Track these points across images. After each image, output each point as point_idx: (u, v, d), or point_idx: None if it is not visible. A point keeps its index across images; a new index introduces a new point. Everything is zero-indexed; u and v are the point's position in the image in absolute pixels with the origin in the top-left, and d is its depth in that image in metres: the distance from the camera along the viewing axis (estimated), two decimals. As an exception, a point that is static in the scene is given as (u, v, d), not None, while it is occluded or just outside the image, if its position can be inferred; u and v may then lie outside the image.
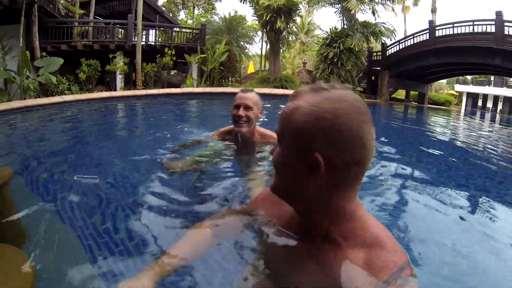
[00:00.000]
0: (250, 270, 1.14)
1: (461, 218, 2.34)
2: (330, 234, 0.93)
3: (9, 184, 2.41)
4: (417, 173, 3.50)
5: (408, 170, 3.54)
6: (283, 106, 0.94)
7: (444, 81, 42.84)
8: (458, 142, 6.80)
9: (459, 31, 15.67)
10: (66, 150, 4.29)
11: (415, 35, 17.49)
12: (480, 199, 2.85)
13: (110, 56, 14.33)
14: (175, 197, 2.25)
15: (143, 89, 13.88)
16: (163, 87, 14.94)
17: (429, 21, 17.55)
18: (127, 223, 2.01)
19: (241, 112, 2.52)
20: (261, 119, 2.77)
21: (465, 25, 15.44)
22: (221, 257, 1.33)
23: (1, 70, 10.80)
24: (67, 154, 4.03)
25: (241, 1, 18.57)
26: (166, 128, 6.07)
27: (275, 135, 2.44)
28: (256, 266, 1.12)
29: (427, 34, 16.72)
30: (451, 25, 15.90)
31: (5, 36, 12.21)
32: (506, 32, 13.76)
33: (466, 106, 38.74)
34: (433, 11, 30.35)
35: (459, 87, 40.51)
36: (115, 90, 14.08)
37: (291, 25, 18.91)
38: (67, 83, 12.45)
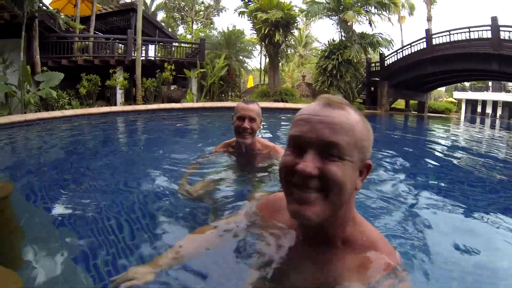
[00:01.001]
0: (250, 271, 1.15)
1: (465, 226, 2.34)
2: (333, 238, 0.96)
3: (9, 199, 2.41)
4: (422, 184, 3.49)
5: (414, 181, 3.54)
6: (333, 115, 0.89)
7: (443, 89, 42.98)
8: (462, 150, 6.78)
9: (455, 39, 15.80)
10: (65, 165, 4.27)
11: (412, 44, 17.67)
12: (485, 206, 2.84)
13: (110, 71, 14.33)
14: (177, 210, 2.26)
15: (143, 104, 13.91)
16: (163, 102, 14.98)
17: (426, 29, 17.74)
18: (129, 239, 1.99)
19: (247, 124, 2.47)
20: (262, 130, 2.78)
21: (461, 32, 15.59)
22: (221, 258, 1.33)
23: (2, 84, 10.86)
24: (66, 169, 4.01)
25: (239, 15, 18.76)
26: (165, 143, 6.08)
27: (277, 147, 2.55)
28: (256, 267, 1.13)
29: (424, 42, 16.90)
30: (448, 33, 16.08)
31: (6, 50, 12.37)
32: (502, 37, 13.89)
33: (465, 113, 38.83)
34: (429, 19, 30.74)
35: (458, 94, 40.63)
36: (115, 105, 14.07)
37: (290, 38, 19.03)
38: (67, 98, 12.47)
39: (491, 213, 2.66)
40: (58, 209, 2.57)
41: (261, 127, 2.67)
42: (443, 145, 7.43)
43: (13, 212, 2.41)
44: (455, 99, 40.72)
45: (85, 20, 18.16)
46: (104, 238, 2.00)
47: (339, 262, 0.93)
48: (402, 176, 3.60)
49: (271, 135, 6.65)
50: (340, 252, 0.95)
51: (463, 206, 2.76)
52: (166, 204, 2.46)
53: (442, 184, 3.51)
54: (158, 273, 1.11)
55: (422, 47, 17.14)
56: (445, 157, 5.62)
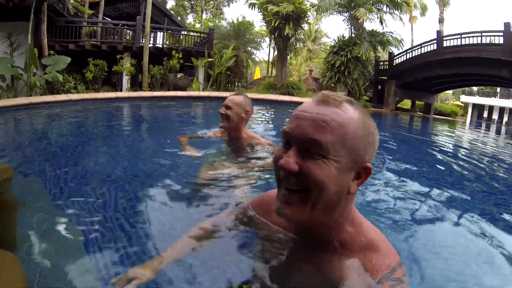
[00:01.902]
0: (248, 272, 1.15)
1: (466, 229, 2.29)
2: (330, 240, 0.96)
3: (10, 183, 2.37)
4: (425, 185, 3.44)
5: (416, 181, 3.49)
6: (323, 112, 0.87)
7: (450, 91, 42.64)
8: (468, 155, 6.69)
9: (467, 42, 15.62)
10: (68, 149, 4.23)
11: (422, 45, 17.49)
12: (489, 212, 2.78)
13: (118, 57, 14.35)
14: (177, 196, 2.30)
15: (149, 90, 13.88)
16: (169, 90, 14.95)
17: (437, 31, 17.60)
18: (130, 225, 1.97)
19: (222, 110, 2.90)
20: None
21: (473, 36, 15.40)
22: (220, 259, 1.34)
23: (9, 66, 10.87)
24: (69, 152, 3.99)
25: (249, 7, 18.61)
26: (168, 130, 6.02)
27: (261, 138, 3.12)
28: (254, 268, 1.13)
29: (435, 44, 16.70)
30: (459, 36, 15.89)
31: (14, 32, 12.30)
32: (514, 44, 13.70)
33: (471, 117, 38.55)
34: (441, 21, 30.46)
35: (465, 98, 40.35)
36: (121, 90, 14.07)
37: (299, 32, 18.92)
38: (73, 82, 12.50)
39: (491, 216, 2.63)
40: (60, 192, 2.53)
41: (246, 117, 2.98)
42: (447, 147, 7.32)
43: (14, 195, 2.36)
44: (462, 102, 40.45)
45: (94, 5, 18.14)
46: (105, 221, 1.99)
47: (337, 263, 0.93)
48: (403, 176, 3.56)
49: (273, 129, 6.57)
50: (338, 253, 0.94)
51: (464, 208, 2.72)
52: (167, 188, 2.49)
53: (443, 187, 3.44)
54: (158, 271, 1.11)
55: (432, 49, 16.95)
56: (447, 160, 5.52)
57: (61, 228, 1.93)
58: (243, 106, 2.92)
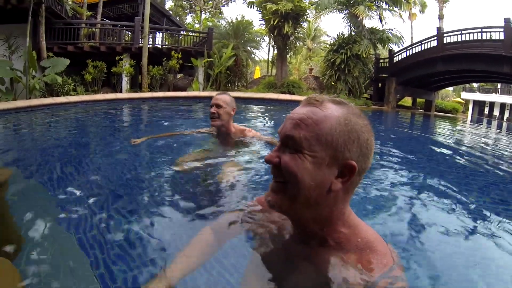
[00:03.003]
0: (247, 271, 1.19)
1: (469, 229, 2.25)
2: (325, 238, 0.97)
3: (7, 186, 2.33)
4: (426, 183, 3.41)
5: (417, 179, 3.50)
6: (302, 111, 0.94)
7: (451, 88, 42.57)
8: (468, 150, 6.63)
9: (467, 38, 15.52)
10: (67, 151, 4.24)
11: (423, 42, 17.37)
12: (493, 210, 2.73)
13: (117, 58, 14.34)
14: (176, 197, 2.37)
15: (149, 91, 13.84)
16: (169, 90, 14.92)
17: (437, 27, 17.41)
18: (129, 228, 1.96)
19: (213, 109, 3.13)
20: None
21: (473, 32, 15.30)
22: (219, 259, 1.38)
23: (8, 69, 10.84)
24: (68, 155, 3.99)
25: (248, 6, 18.59)
26: (168, 130, 5.98)
27: (248, 130, 3.51)
28: (253, 267, 1.15)
29: (435, 41, 16.59)
30: (459, 32, 15.75)
31: (12, 35, 12.28)
32: (515, 39, 13.60)
33: (472, 114, 38.43)
34: (441, 17, 30.35)
35: (465, 95, 40.22)
36: (120, 92, 14.06)
37: (299, 30, 18.87)
38: (72, 84, 12.49)
39: (493, 213, 2.59)
40: (59, 194, 2.53)
41: (233, 114, 3.24)
42: (448, 144, 7.26)
43: (12, 197, 2.35)
44: (463, 99, 40.34)
45: (92, 6, 18.12)
46: (104, 222, 2.00)
47: (334, 262, 0.94)
48: (404, 174, 3.59)
49: (273, 127, 6.53)
50: (334, 252, 0.95)
51: (465, 205, 2.70)
52: (164, 186, 2.60)
53: (445, 183, 3.39)
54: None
55: (432, 45, 16.86)
56: (448, 156, 5.48)
57: (59, 230, 1.94)
58: (231, 104, 3.20)
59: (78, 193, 2.54)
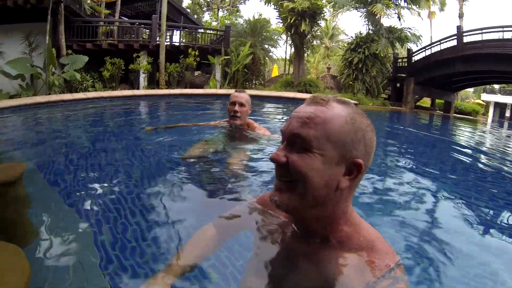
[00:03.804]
0: (247, 270, 1.21)
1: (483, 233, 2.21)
2: (327, 237, 0.97)
3: (22, 180, 2.41)
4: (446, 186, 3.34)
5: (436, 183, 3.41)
6: (309, 110, 0.93)
7: (471, 89, 41.68)
8: (486, 156, 6.41)
9: (488, 38, 15.17)
10: (84, 146, 4.31)
11: (442, 41, 17.06)
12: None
13: (134, 55, 14.48)
14: (187, 190, 2.37)
15: (166, 88, 13.92)
16: (186, 88, 14.97)
17: (457, 26, 16.99)
18: (141, 220, 2.01)
19: (237, 108, 3.19)
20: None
21: (494, 31, 14.96)
22: (219, 258, 1.41)
23: (28, 66, 11.13)
24: (85, 150, 4.04)
25: (265, 4, 18.56)
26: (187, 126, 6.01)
27: (261, 127, 3.56)
28: (253, 266, 1.16)
29: (455, 40, 16.26)
30: (480, 31, 15.40)
31: (32, 33, 12.60)
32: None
33: (493, 116, 37.53)
34: (460, 16, 29.81)
35: (486, 97, 39.30)
36: (138, 88, 14.19)
37: (316, 28, 18.77)
38: (91, 81, 12.71)
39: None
40: (73, 189, 2.56)
41: (249, 112, 3.34)
42: (467, 148, 7.03)
43: (26, 191, 2.42)
44: (483, 101, 39.42)
45: (110, 5, 18.35)
46: (115, 220, 2.00)
47: (335, 260, 0.94)
48: (419, 176, 3.51)
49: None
50: (336, 251, 0.95)
51: (477, 211, 2.61)
52: (180, 184, 2.55)
53: (459, 188, 3.31)
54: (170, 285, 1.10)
55: (452, 45, 16.52)
56: (466, 161, 5.30)
57: (70, 223, 1.99)
58: (250, 102, 3.30)
59: (91, 187, 2.61)
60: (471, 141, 8.11)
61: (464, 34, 16.07)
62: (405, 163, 4.27)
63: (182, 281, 1.22)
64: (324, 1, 17.84)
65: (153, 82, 16.09)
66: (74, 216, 2.06)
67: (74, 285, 1.44)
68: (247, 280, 1.15)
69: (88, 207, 2.19)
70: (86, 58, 12.54)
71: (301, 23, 16.56)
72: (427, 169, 4.06)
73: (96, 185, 2.62)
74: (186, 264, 1.18)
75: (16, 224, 2.06)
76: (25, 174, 2.52)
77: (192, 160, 3.03)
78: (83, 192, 2.48)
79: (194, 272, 1.28)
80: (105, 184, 2.65)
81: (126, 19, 19.95)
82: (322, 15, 17.79)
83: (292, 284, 1.00)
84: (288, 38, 20.87)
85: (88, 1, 15.50)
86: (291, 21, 16.62)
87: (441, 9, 32.80)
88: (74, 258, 1.62)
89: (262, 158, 2.95)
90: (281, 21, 18.19)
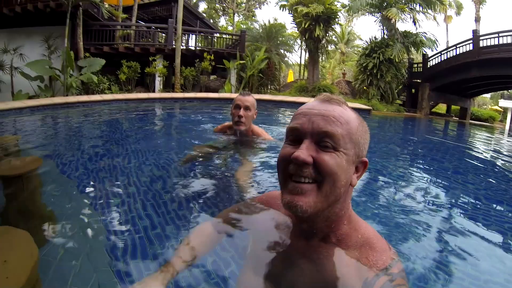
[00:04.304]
0: (245, 267, 1.20)
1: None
2: (328, 235, 0.98)
3: (38, 172, 2.51)
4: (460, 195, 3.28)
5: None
6: (329, 109, 0.95)
7: (488, 95, 40.90)
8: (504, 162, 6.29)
9: (505, 41, 14.89)
10: (98, 145, 4.38)
11: (457, 46, 16.79)
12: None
13: (150, 58, 14.68)
14: (191, 189, 2.37)
15: (181, 92, 14.05)
16: (201, 91, 15.09)
17: (473, 30, 16.67)
18: (152, 213, 2.04)
19: (242, 112, 2.94)
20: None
21: (511, 35, 14.68)
22: (216, 256, 1.41)
23: (47, 68, 11.39)
24: (99, 149, 4.11)
25: (280, 8, 18.61)
26: (196, 130, 6.07)
27: (267, 134, 3.31)
28: (251, 264, 1.15)
29: (471, 44, 15.99)
30: (496, 35, 15.13)
31: (51, 36, 12.97)
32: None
33: (510, 123, 36.82)
34: (477, 20, 29.42)
35: (503, 103, 38.19)
36: (153, 91, 14.36)
37: (330, 33, 18.73)
38: (107, 83, 12.94)
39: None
40: (86, 181, 2.66)
41: (255, 117, 3.10)
42: (482, 157, 6.89)
43: (41, 183, 2.52)
44: (501, 107, 38.60)
45: (127, 9, 18.65)
46: (126, 216, 2.03)
47: (334, 258, 0.96)
48: (432, 184, 3.46)
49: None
50: (335, 249, 0.97)
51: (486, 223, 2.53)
52: (186, 181, 2.59)
53: (472, 196, 3.26)
54: (169, 281, 1.12)
55: (468, 49, 16.28)
56: (484, 169, 5.19)
57: (82, 212, 2.06)
58: (255, 106, 3.06)
59: (103, 179, 2.69)
60: (485, 148, 7.96)
61: (480, 38, 15.81)
62: (416, 169, 4.23)
63: (179, 279, 1.24)
64: (338, 6, 17.83)
65: (168, 86, 16.27)
66: (86, 206, 2.14)
67: (82, 271, 1.49)
68: (245, 278, 1.14)
69: (99, 198, 2.26)
70: (103, 61, 12.79)
71: (315, 28, 16.56)
72: (439, 175, 4.02)
73: (108, 179, 2.71)
74: (183, 262, 1.19)
75: (32, 213, 2.14)
76: (41, 167, 2.62)
77: (199, 159, 2.96)
78: (95, 184, 2.57)
79: (191, 270, 1.29)
80: (117, 178, 2.74)
81: (143, 23, 20.22)
82: (336, 20, 17.73)
83: (290, 281, 1.01)
84: (303, 43, 20.86)
85: (106, 6, 15.74)
86: (305, 26, 16.64)
87: (458, 13, 32.46)
88: (83, 246, 1.67)
89: (267, 167, 2.81)
90: (295, 25, 18.21)
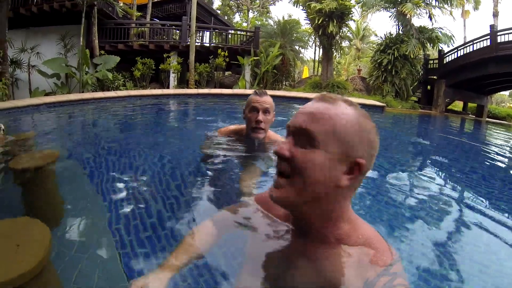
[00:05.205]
0: (243, 267, 1.20)
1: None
2: (326, 234, 0.98)
3: (54, 165, 2.56)
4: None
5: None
6: (315, 106, 0.95)
7: (506, 92, 40.10)
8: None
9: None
10: (113, 140, 4.48)
11: (474, 42, 16.36)
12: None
13: (165, 55, 14.81)
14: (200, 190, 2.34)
15: (195, 88, 14.15)
16: (215, 88, 15.16)
17: (490, 25, 16.19)
18: (164, 216, 2.06)
19: (261, 117, 2.40)
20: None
21: (530, 30, 14.31)
22: (215, 255, 1.42)
23: (63, 65, 11.66)
24: (114, 144, 4.20)
25: (294, 5, 18.51)
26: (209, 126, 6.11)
27: (278, 137, 2.62)
28: (249, 264, 1.16)
29: (488, 40, 15.62)
30: (514, 30, 14.75)
31: (67, 35, 13.28)
32: None
33: (529, 122, 36.07)
34: (495, 15, 28.69)
35: (522, 100, 37.85)
36: (168, 88, 14.51)
37: (344, 30, 18.57)
38: (122, 80, 13.11)
39: None
40: (100, 175, 2.72)
41: (273, 120, 2.56)
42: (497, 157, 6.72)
43: (58, 176, 2.59)
44: (519, 105, 37.99)
45: (142, 7, 18.84)
46: (140, 211, 2.07)
47: (334, 258, 0.96)
48: (444, 182, 3.49)
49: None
50: (335, 249, 0.97)
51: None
52: (195, 177, 2.62)
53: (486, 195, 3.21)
54: (170, 279, 1.12)
55: (485, 45, 15.87)
56: (496, 171, 5.06)
57: (95, 205, 2.13)
58: (274, 107, 2.53)
59: (117, 174, 2.75)
60: (499, 147, 7.80)
61: (498, 33, 15.40)
62: (430, 168, 4.19)
63: (179, 277, 1.27)
64: (352, 2, 17.61)
65: (183, 82, 16.37)
66: (99, 199, 2.20)
67: (91, 262, 1.54)
68: (244, 277, 1.15)
69: (112, 192, 2.31)
70: (118, 58, 13.05)
71: (328, 24, 16.40)
72: (453, 175, 3.98)
73: (121, 173, 2.77)
74: (184, 259, 1.19)
75: (47, 204, 2.22)
76: (57, 160, 2.67)
77: (209, 159, 2.63)
78: (108, 178, 2.62)
79: (191, 267, 1.32)
80: (129, 173, 2.80)
81: (157, 20, 20.39)
82: (350, 15, 17.54)
83: (288, 282, 1.01)
84: (317, 39, 20.72)
85: (121, 4, 15.93)
86: (319, 22, 16.48)
87: (475, 8, 31.68)
88: (94, 238, 1.73)
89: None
90: (309, 22, 18.10)
